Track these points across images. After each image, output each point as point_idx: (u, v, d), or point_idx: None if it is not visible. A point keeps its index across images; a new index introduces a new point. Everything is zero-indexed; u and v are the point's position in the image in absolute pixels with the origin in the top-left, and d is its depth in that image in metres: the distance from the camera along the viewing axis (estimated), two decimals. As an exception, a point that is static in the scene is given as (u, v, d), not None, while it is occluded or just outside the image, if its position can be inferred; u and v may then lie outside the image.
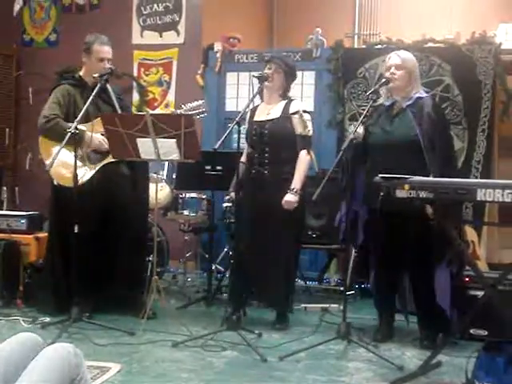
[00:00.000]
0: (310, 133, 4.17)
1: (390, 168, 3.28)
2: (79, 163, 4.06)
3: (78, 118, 3.97)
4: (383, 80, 3.90)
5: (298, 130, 4.16)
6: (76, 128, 3.88)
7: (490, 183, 3.00)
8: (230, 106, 6.14)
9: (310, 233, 5.02)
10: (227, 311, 4.03)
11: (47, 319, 4.18)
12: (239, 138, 4.13)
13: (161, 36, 6.55)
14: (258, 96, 4.26)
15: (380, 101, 4.01)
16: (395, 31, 6.08)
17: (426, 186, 3.04)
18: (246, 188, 4.19)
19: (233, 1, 6.91)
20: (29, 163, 6.64)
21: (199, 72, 6.26)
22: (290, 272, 4.27)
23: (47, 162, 4.08)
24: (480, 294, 3.69)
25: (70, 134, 3.84)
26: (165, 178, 5.26)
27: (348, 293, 4.51)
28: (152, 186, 4.43)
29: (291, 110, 4.18)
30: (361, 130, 3.88)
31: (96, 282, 4.33)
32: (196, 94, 5.39)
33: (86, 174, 4.16)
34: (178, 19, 6.48)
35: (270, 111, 4.24)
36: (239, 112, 4.12)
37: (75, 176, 3.93)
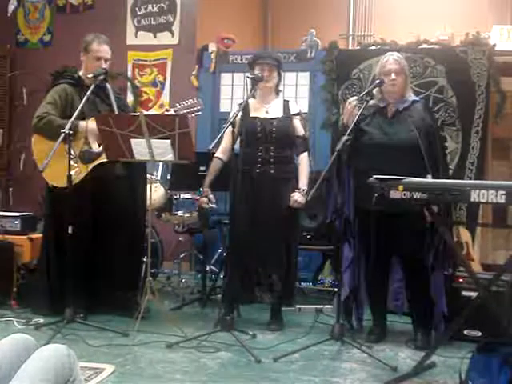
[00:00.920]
0: (308, 134, 4.23)
1: (390, 169, 3.26)
2: (72, 164, 4.03)
3: (73, 118, 3.96)
4: (377, 81, 3.90)
5: (300, 131, 4.19)
6: (70, 128, 3.86)
7: (484, 184, 3.02)
8: (225, 106, 6.13)
9: (304, 234, 5.01)
10: (221, 312, 4.03)
11: (41, 320, 4.17)
12: (233, 138, 4.13)
13: (155, 37, 6.53)
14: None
15: (372, 102, 4.00)
16: (389, 32, 6.08)
17: (420, 187, 3.05)
18: (243, 187, 3.98)
19: (227, 2, 6.91)
20: (23, 164, 6.63)
21: (193, 73, 6.26)
22: (291, 250, 4.20)
23: (41, 163, 4.06)
24: (473, 294, 3.71)
25: (63, 134, 3.82)
26: (159, 178, 5.25)
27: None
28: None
29: (292, 111, 4.22)
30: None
31: (90, 283, 4.33)
32: (190, 95, 5.35)
33: (78, 174, 4.14)
34: (172, 20, 6.47)
35: (268, 109, 4.23)
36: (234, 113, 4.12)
37: (69, 176, 3.91)
